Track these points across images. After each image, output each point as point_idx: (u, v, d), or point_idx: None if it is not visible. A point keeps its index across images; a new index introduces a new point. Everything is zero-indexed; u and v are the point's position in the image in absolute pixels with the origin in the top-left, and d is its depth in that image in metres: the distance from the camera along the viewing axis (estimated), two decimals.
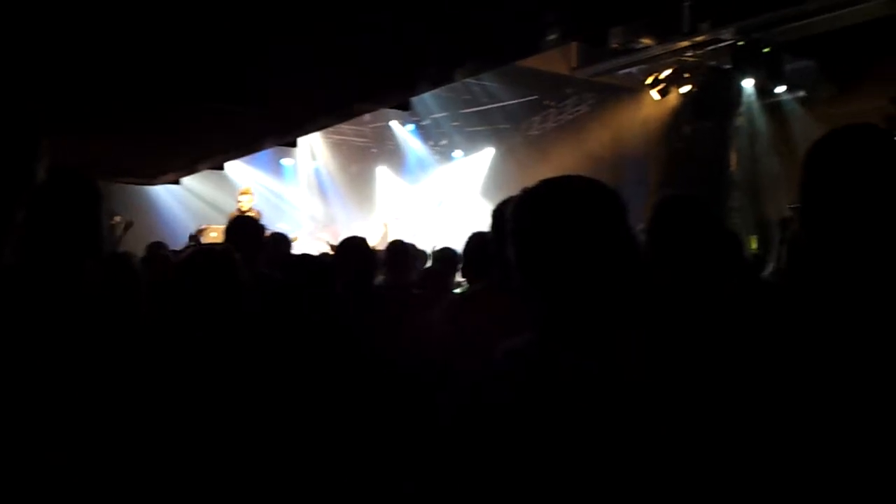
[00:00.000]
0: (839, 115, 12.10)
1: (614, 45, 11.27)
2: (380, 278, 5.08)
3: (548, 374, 1.54)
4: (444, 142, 18.99)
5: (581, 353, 1.58)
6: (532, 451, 1.46)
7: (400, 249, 5.41)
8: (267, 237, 5.53)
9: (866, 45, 11.33)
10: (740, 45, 10.80)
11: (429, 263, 6.86)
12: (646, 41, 11.47)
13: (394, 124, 18.36)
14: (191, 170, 13.00)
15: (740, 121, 13.13)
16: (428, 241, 11.04)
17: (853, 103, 12.01)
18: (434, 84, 7.75)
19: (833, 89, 12.18)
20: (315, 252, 5.54)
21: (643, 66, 12.54)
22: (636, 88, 13.26)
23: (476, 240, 4.01)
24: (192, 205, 16.13)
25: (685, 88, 12.62)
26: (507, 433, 1.48)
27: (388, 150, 19.74)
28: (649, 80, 12.70)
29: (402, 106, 8.74)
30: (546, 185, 1.75)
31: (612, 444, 1.48)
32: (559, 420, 1.47)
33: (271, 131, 9.58)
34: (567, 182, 1.76)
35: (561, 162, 14.77)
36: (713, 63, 12.07)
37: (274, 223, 11.23)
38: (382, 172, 19.96)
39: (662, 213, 2.91)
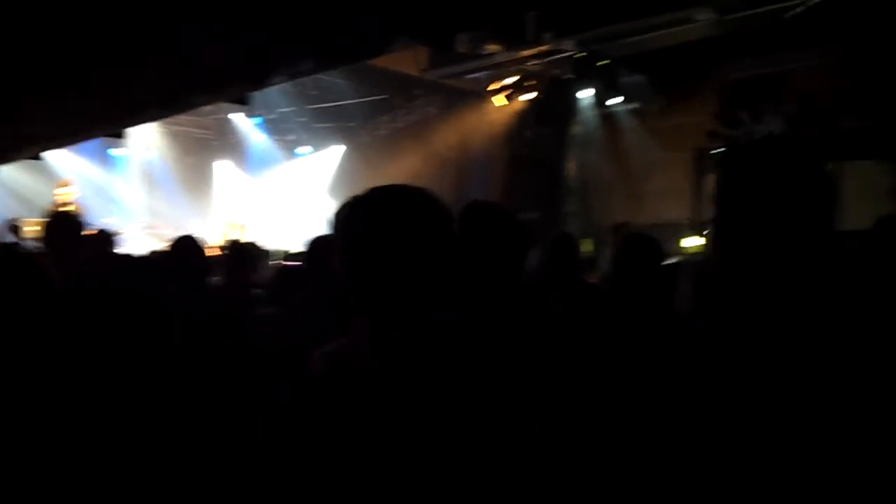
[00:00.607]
0: (668, 128, 12.87)
1: (462, 50, 11.34)
2: (217, 279, 4.83)
3: (354, 379, 1.59)
4: (290, 137, 18.45)
5: (394, 359, 1.61)
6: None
7: (238, 249, 5.15)
8: (90, 234, 5.04)
9: (694, 62, 12.08)
10: (580, 57, 11.20)
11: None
12: (492, 48, 11.64)
13: (236, 116, 17.60)
14: (3, 159, 11.80)
15: (578, 129, 13.66)
16: (272, 240, 10.64)
17: (681, 117, 12.81)
18: (273, 81, 7.41)
19: (663, 102, 12.92)
20: (145, 250, 5.12)
21: (489, 72, 12.74)
22: (483, 93, 13.46)
23: (318, 243, 3.87)
24: (1, 196, 14.64)
25: (528, 95, 12.95)
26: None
27: (230, 144, 18.93)
28: (495, 86, 12.93)
29: (240, 101, 8.31)
30: (374, 195, 1.74)
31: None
32: (352, 421, 1.55)
33: (93, 121, 8.83)
34: (395, 192, 1.75)
35: (408, 162, 14.75)
36: (555, 72, 12.44)
37: (100, 218, 10.40)
38: (223, 166, 19.11)
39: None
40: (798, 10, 8.40)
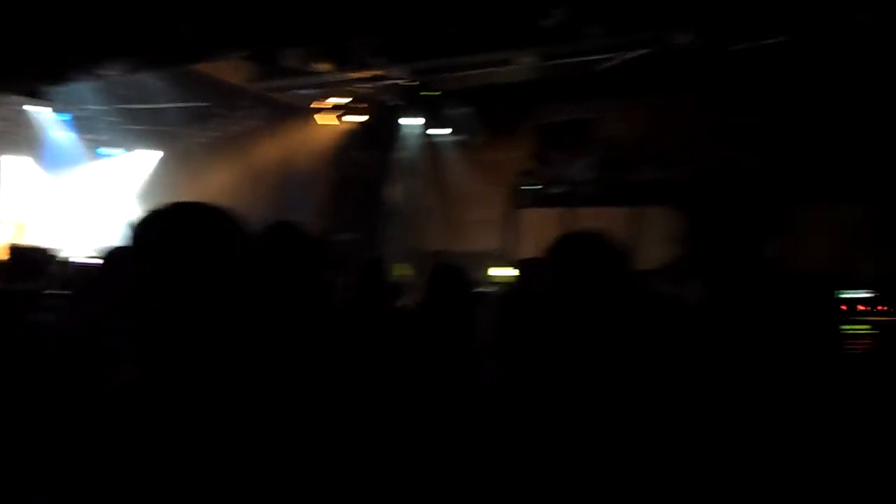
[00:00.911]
0: (488, 161, 13.39)
1: (291, 66, 11.16)
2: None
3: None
4: (102, 137, 17.13)
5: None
6: None
7: (20, 253, 4.69)
8: None
9: (515, 102, 12.70)
10: (410, 85, 11.39)
11: None
12: (323, 66, 11.54)
13: (38, 110, 16.12)
14: None
15: (403, 155, 13.86)
16: (63, 243, 9.81)
17: (501, 152, 13.38)
18: (74, 79, 6.86)
19: (486, 137, 13.44)
20: None
21: (318, 90, 12.61)
22: (310, 110, 13.29)
23: (116, 252, 3.62)
24: None
25: (357, 117, 12.96)
26: None
27: (27, 138, 17.27)
28: (323, 105, 12.82)
29: (33, 94, 7.60)
30: (172, 209, 1.75)
31: None
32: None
33: None
34: (192, 208, 1.76)
35: (226, 174, 14.26)
36: (385, 97, 12.56)
37: None
38: (14, 161, 17.38)
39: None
40: (610, 63, 9.07)
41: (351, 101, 12.67)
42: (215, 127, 15.88)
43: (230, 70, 11.78)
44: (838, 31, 8.00)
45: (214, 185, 13.85)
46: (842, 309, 9.42)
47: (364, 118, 13.00)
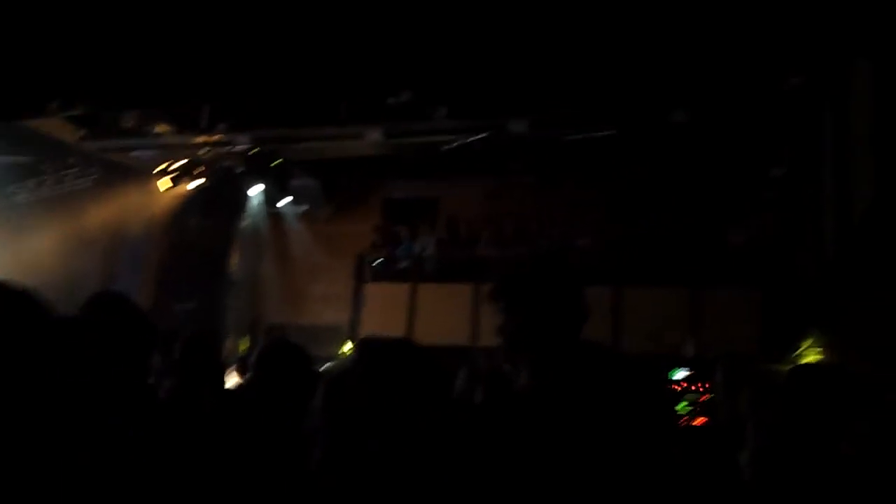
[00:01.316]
0: (334, 234, 13.30)
1: (128, 126, 10.69)
2: None
3: None
4: None
5: None
6: None
7: None
8: None
9: (362, 176, 12.79)
10: (253, 153, 11.16)
11: None
12: (162, 128, 11.13)
13: None
14: None
15: (245, 224, 13.50)
16: None
17: (347, 225, 13.36)
18: None
19: (332, 209, 13.38)
20: None
21: (156, 152, 12.09)
22: (147, 172, 12.68)
23: None
24: None
25: (196, 182, 12.49)
26: None
27: None
28: (161, 168, 12.27)
29: None
30: None
31: None
32: None
33: None
34: None
35: (50, 237, 13.22)
36: (227, 163, 12.23)
37: None
38: None
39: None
40: (454, 145, 9.36)
41: (191, 165, 12.21)
42: (42, 185, 14.83)
43: (61, 127, 11.10)
44: (658, 129, 8.73)
45: (35, 249, 12.81)
46: (673, 389, 10.02)
47: (204, 183, 12.55)
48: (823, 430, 2.32)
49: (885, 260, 4.15)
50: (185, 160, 12.12)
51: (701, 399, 10.00)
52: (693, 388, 10.10)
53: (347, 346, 11.29)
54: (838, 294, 5.51)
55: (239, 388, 4.56)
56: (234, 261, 13.99)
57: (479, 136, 9.18)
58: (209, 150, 11.70)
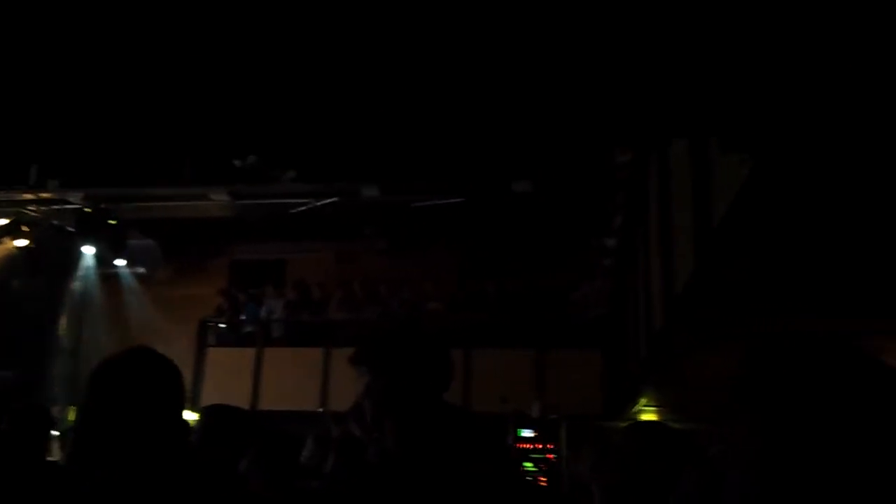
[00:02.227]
0: (175, 297, 12.68)
1: None
2: None
3: None
4: None
5: None
6: None
7: None
8: None
9: (206, 237, 12.35)
10: (86, 212, 10.52)
11: None
12: None
13: None
14: None
15: (76, 285, 12.61)
16: None
17: (190, 288, 12.78)
18: None
19: (172, 271, 12.78)
20: None
21: None
22: None
23: None
24: None
25: (21, 242, 11.57)
26: None
27: None
28: None
29: None
30: None
31: None
32: None
33: None
34: None
35: None
36: (56, 222, 11.44)
37: None
38: None
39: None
40: (301, 208, 9.28)
41: (16, 224, 11.33)
42: None
43: None
44: (503, 197, 9.08)
45: None
46: (517, 448, 10.22)
47: (29, 242, 11.65)
48: (655, 484, 2.42)
49: (706, 327, 4.47)
50: (9, 218, 11.24)
51: (547, 457, 10.26)
52: (539, 446, 10.34)
53: (188, 414, 10.66)
54: (667, 356, 5.86)
55: (66, 460, 4.16)
56: (63, 325, 12.98)
57: (329, 200, 9.15)
58: (37, 208, 10.93)
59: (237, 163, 8.39)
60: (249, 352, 11.57)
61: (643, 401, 8.48)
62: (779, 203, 2.77)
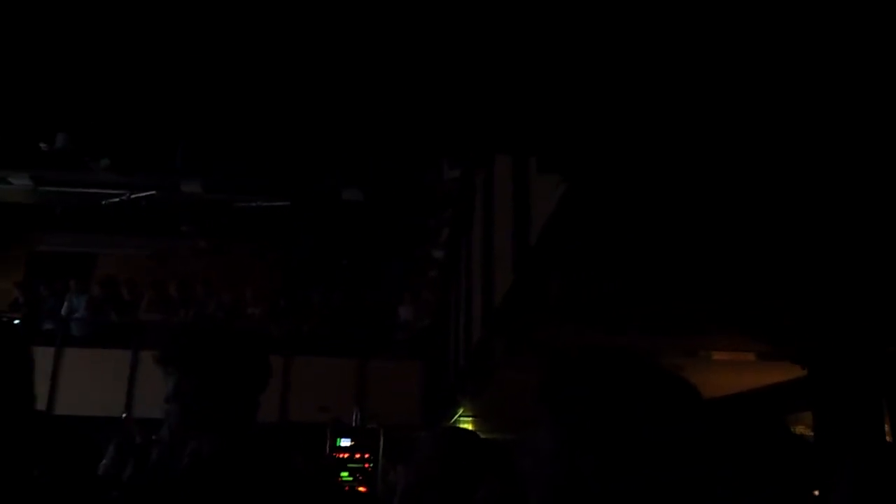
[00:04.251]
0: None
1: None
2: None
3: None
4: None
5: None
6: None
7: None
8: None
9: (3, 225, 11.26)
10: None
11: None
12: None
13: None
14: None
15: None
16: None
17: None
18: None
19: None
20: None
21: None
22: None
23: None
24: None
25: None
26: None
27: None
28: None
29: None
30: None
31: None
32: None
33: None
34: None
35: None
36: None
37: None
38: None
39: None
40: (115, 199, 8.68)
41: None
42: None
43: None
44: (332, 204, 8.99)
45: None
46: (338, 458, 10.07)
47: None
48: (452, 489, 2.44)
49: (521, 340, 4.64)
50: None
51: (364, 466, 10.21)
52: (357, 456, 10.28)
53: None
54: (483, 367, 6.03)
55: None
56: None
57: (146, 193, 8.63)
58: None
59: (43, 145, 7.69)
60: (47, 351, 10.63)
61: (460, 410, 8.67)
62: (590, 223, 2.92)
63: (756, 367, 5.22)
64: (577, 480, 0.90)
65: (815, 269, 3.32)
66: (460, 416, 9.03)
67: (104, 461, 5.27)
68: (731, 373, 5.43)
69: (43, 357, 10.52)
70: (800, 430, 5.19)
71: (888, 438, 4.59)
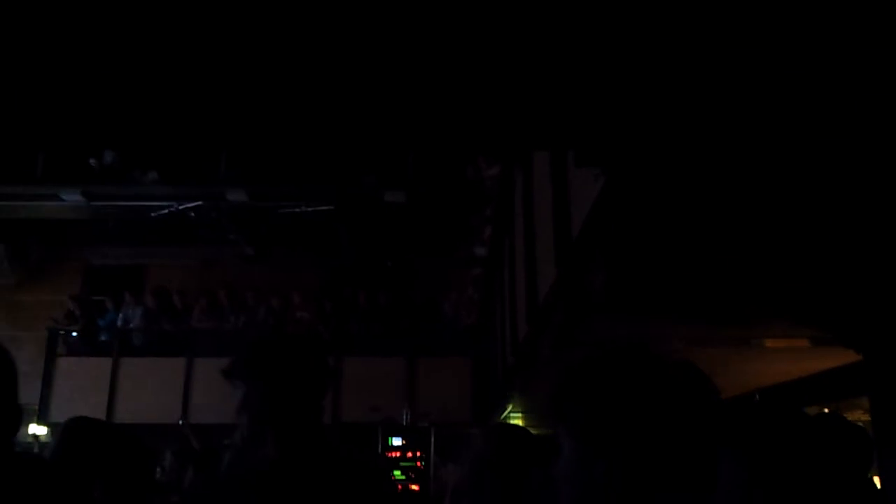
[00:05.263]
0: (22, 303, 11.84)
1: None
2: None
3: None
4: None
5: None
6: None
7: None
8: None
9: (58, 240, 11.59)
10: None
11: None
12: None
13: None
14: None
15: None
16: None
17: (38, 294, 11.95)
18: None
19: (19, 276, 11.93)
20: None
21: None
22: None
23: None
24: None
25: None
26: None
27: None
28: None
29: None
30: None
31: None
32: None
33: None
34: None
35: None
36: None
37: None
38: None
39: None
40: (163, 212, 8.88)
41: None
42: None
43: None
44: (374, 207, 9.06)
45: None
46: (387, 457, 10.19)
47: None
48: (509, 482, 2.46)
49: (565, 336, 4.61)
50: None
51: (416, 465, 10.28)
52: (409, 455, 10.35)
53: (36, 428, 10.06)
54: (530, 364, 6.02)
55: None
56: None
57: (193, 204, 8.80)
58: None
59: (93, 161, 7.91)
60: (105, 361, 10.92)
61: (510, 407, 8.67)
62: (631, 214, 2.90)
63: (811, 354, 5.10)
64: (592, 485, 0.91)
65: (866, 251, 3.25)
66: (510, 412, 9.01)
67: (164, 467, 5.39)
68: (785, 360, 5.32)
69: (101, 367, 10.83)
70: (857, 415, 5.08)
71: None
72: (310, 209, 8.91)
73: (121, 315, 11.34)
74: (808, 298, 4.03)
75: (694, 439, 0.90)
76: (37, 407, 10.47)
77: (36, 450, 8.33)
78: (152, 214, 9.17)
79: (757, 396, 6.10)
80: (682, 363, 0.98)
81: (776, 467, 1.32)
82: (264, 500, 1.92)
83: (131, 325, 11.29)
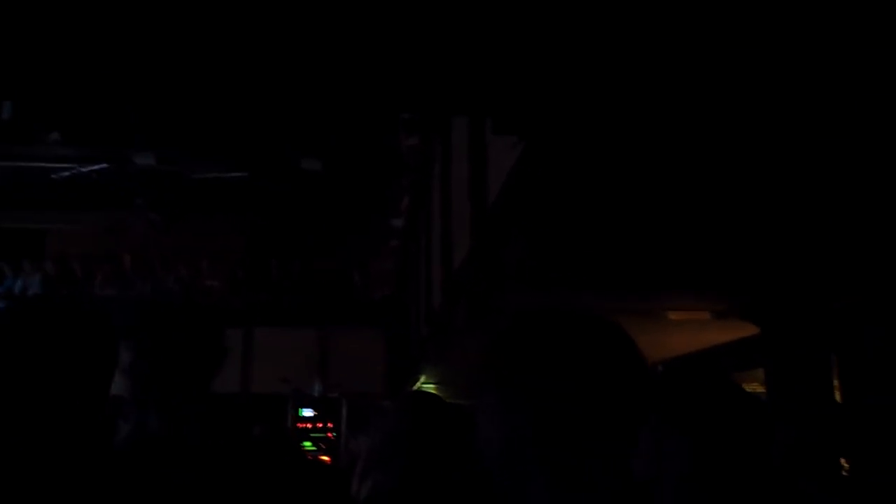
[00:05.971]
0: None
1: None
2: None
3: None
4: None
5: None
6: None
7: None
8: None
9: None
10: None
11: None
12: None
13: None
14: None
15: None
16: None
17: None
18: None
19: None
20: None
21: None
22: None
23: None
24: None
25: None
26: None
27: None
28: None
29: None
30: None
31: None
32: None
33: None
34: None
35: None
36: None
37: None
38: None
39: None
40: (65, 174, 8.46)
41: None
42: None
43: None
44: (291, 174, 8.88)
45: None
46: (300, 428, 10.11)
47: None
48: (424, 447, 2.46)
49: (480, 305, 4.66)
50: None
51: (327, 436, 10.26)
52: (319, 425, 10.33)
53: None
54: (444, 333, 6.06)
55: None
56: None
57: (97, 167, 8.41)
58: None
59: None
60: None
61: (423, 378, 8.73)
62: (547, 184, 2.94)
63: (711, 327, 5.33)
64: (515, 445, 0.92)
65: (766, 229, 3.39)
66: (423, 383, 9.08)
67: None
68: (687, 332, 5.54)
69: None
70: (753, 386, 5.34)
71: (836, 393, 4.74)
72: (223, 175, 8.66)
73: (19, 282, 10.81)
74: (710, 271, 4.21)
75: (616, 397, 0.91)
76: None
77: None
78: (53, 176, 8.71)
79: (660, 368, 6.34)
80: (611, 324, 0.98)
81: (718, 439, 1.37)
82: (130, 470, 1.85)
83: (29, 293, 10.77)
